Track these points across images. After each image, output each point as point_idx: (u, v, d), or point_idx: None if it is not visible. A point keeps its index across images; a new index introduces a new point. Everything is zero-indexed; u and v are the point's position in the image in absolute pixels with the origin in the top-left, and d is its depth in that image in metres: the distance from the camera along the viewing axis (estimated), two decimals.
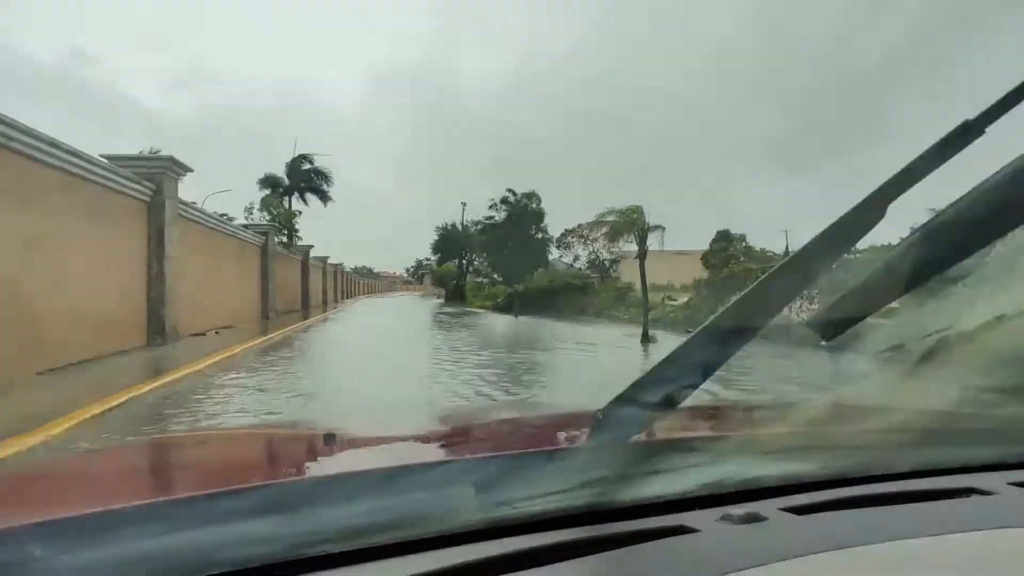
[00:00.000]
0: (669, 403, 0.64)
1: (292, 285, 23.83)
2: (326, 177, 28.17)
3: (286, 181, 27.52)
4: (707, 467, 0.77)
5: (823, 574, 0.55)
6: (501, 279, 24.87)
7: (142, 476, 1.00)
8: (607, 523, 0.64)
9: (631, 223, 12.87)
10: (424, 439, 1.20)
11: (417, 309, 31.16)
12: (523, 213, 22.87)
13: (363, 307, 32.23)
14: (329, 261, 33.73)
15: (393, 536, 0.58)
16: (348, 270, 59.02)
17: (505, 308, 26.09)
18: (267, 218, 19.99)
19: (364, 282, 72.35)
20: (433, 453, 1.05)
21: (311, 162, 28.07)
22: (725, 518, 0.65)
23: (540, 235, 23.32)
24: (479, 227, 23.75)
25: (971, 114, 0.47)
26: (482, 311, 28.27)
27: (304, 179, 27.73)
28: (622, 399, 0.64)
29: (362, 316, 23.78)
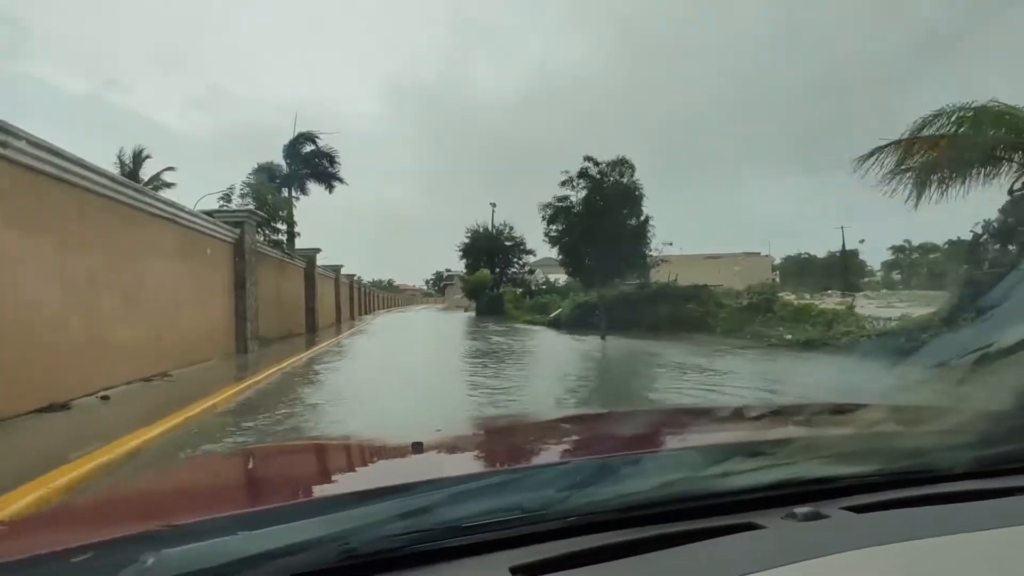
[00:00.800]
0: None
1: (292, 300, 17.57)
2: (332, 159, 22.03)
3: (285, 168, 21.46)
4: (773, 469, 0.79)
5: (880, 566, 0.58)
6: (581, 283, 18.04)
7: (263, 481, 1.10)
8: (681, 521, 0.69)
9: (990, 138, 6.11)
10: (509, 446, 1.26)
11: (452, 326, 24.72)
12: (612, 191, 15.94)
13: (386, 326, 25.94)
14: (343, 271, 27.62)
15: (493, 534, 0.65)
16: (366, 283, 53.68)
17: (571, 324, 19.48)
18: (251, 205, 13.75)
19: (383, 295, 67.07)
20: (519, 459, 1.12)
21: (314, 142, 21.95)
22: (789, 516, 0.69)
23: (636, 220, 16.17)
24: (546, 212, 16.71)
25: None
26: (536, 328, 21.71)
27: (306, 163, 21.59)
28: None
29: (388, 341, 17.42)
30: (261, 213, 12.88)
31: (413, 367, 10.68)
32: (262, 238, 14.37)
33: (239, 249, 12.04)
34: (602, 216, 15.53)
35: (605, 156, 15.65)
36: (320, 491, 0.85)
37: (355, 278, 35.50)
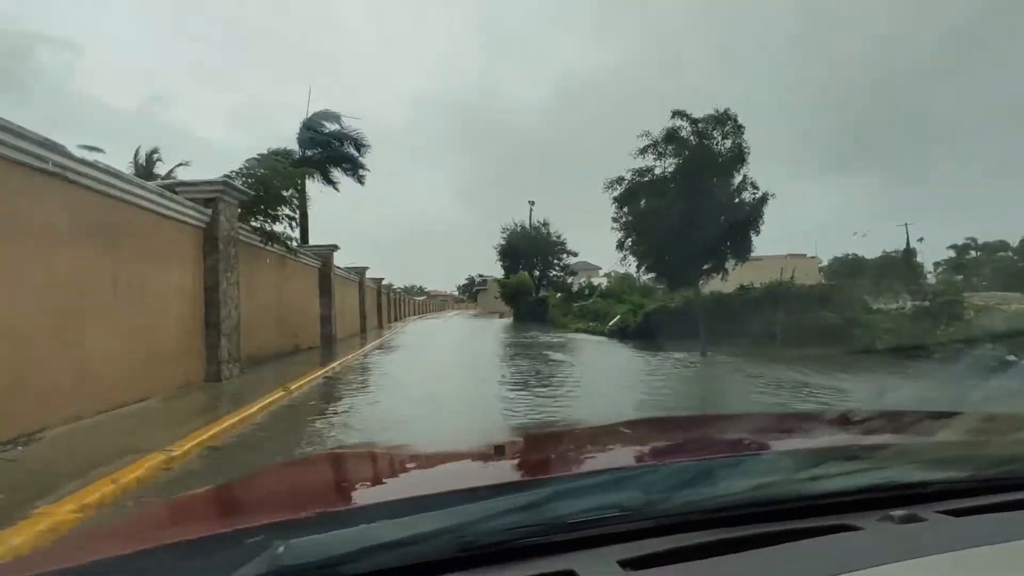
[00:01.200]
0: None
1: (299, 308, 14.21)
2: (359, 144, 18.61)
3: (298, 152, 18.08)
4: (868, 472, 0.80)
5: (978, 567, 0.59)
6: (665, 281, 13.96)
7: (377, 478, 1.15)
8: (777, 521, 0.71)
9: None
10: (598, 449, 1.26)
11: (493, 335, 21.03)
12: (714, 157, 11.66)
13: (418, 335, 22.45)
14: (368, 275, 24.31)
15: (596, 530, 0.67)
16: (398, 289, 51.03)
17: (642, 335, 15.53)
18: (237, 178, 10.24)
19: (415, 301, 64.32)
20: (614, 460, 1.13)
21: (337, 121, 18.52)
22: (886, 518, 0.70)
23: (741, 197, 11.69)
24: (614, 189, 12.36)
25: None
26: (595, 339, 17.83)
27: (325, 145, 18.12)
28: None
29: (422, 360, 13.77)
30: (242, 188, 9.37)
31: (462, 408, 6.94)
32: (255, 225, 10.94)
33: (211, 236, 8.59)
34: (703, 191, 11.46)
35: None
36: (433, 487, 0.84)
37: (382, 282, 32.33)
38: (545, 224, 38.84)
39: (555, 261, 39.20)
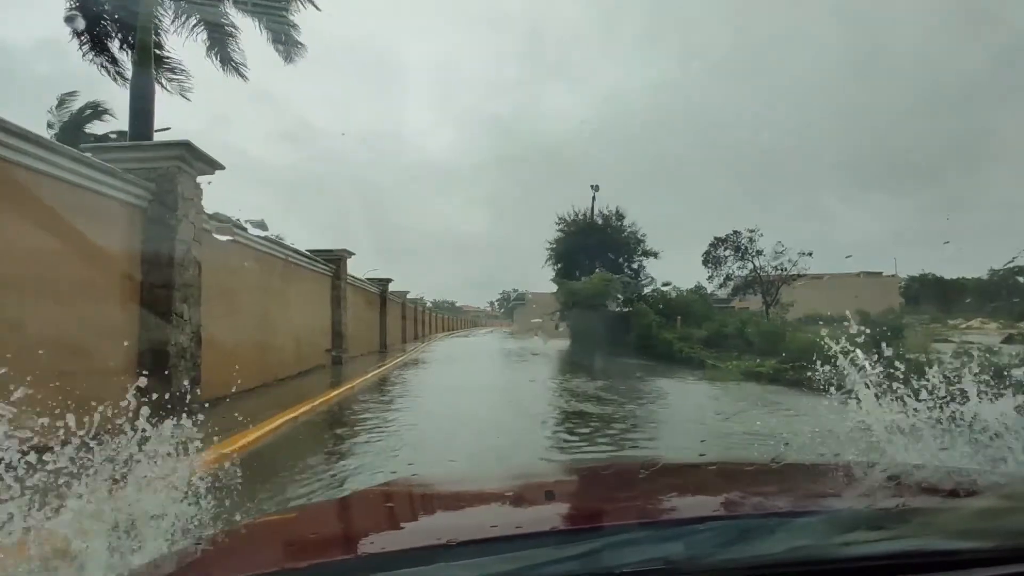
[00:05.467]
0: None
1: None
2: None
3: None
4: (897, 540, 0.82)
5: None
6: None
7: (447, 515, 1.21)
8: None
9: None
10: (641, 496, 1.28)
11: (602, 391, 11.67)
12: None
13: (441, 366, 15.39)
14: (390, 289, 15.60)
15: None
16: (428, 304, 47.42)
17: None
18: None
19: (445, 317, 57.35)
20: (656, 512, 1.11)
21: None
22: None
23: None
24: None
25: None
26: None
27: None
28: None
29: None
30: None
31: None
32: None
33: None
34: None
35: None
36: (498, 531, 0.88)
37: (409, 295, 23.33)
38: (619, 216, 28.91)
39: (628, 264, 29.37)
